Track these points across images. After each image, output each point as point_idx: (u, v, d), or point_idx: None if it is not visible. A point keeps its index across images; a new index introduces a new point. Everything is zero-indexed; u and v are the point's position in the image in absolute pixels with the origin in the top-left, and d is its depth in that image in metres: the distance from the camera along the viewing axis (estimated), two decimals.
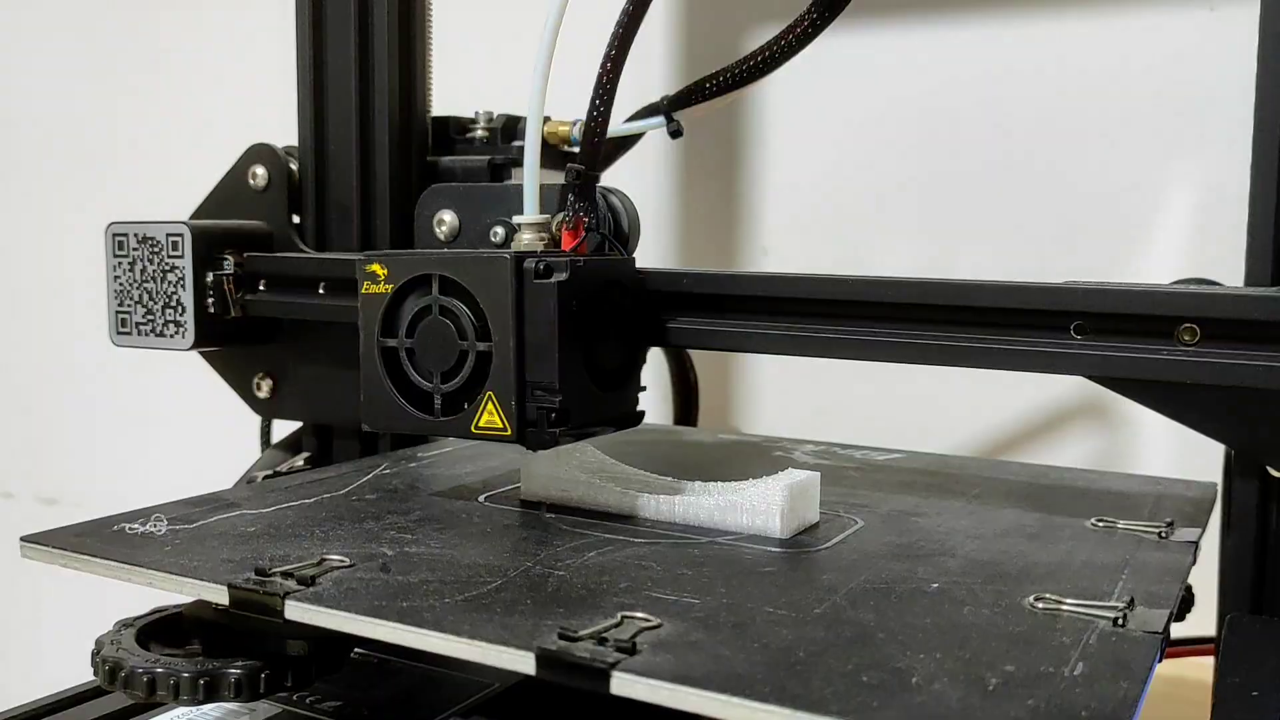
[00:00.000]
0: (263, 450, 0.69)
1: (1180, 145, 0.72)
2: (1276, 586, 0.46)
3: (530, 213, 0.48)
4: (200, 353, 0.63)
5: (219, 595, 0.36)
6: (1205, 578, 0.47)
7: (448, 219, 0.57)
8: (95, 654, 0.40)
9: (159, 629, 0.43)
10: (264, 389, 0.64)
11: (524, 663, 0.31)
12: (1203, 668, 0.48)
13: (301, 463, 0.64)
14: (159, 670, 0.38)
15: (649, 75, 0.85)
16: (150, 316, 0.60)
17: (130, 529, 0.42)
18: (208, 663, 0.39)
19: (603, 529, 0.44)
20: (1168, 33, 0.72)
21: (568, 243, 0.48)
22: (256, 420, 0.69)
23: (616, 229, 0.55)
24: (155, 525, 0.42)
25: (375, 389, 0.46)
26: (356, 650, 0.47)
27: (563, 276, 0.43)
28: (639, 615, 0.34)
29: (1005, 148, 0.77)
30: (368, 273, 0.46)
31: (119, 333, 0.62)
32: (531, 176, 0.48)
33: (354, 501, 0.47)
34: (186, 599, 0.40)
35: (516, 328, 0.43)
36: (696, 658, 0.31)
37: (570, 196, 0.48)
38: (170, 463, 1.10)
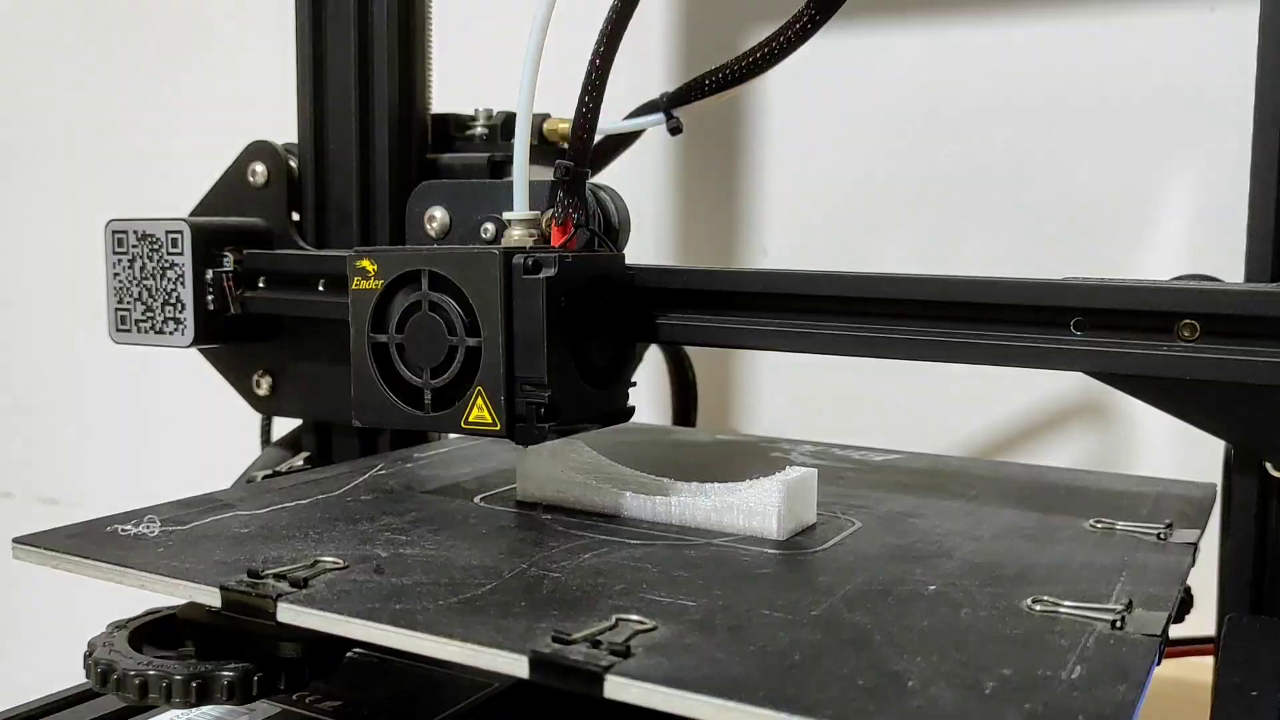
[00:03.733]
0: (262, 448, 0.69)
1: (1180, 143, 0.72)
2: (1276, 586, 0.46)
3: (520, 209, 0.48)
4: (200, 350, 0.63)
5: (211, 597, 0.36)
6: (1205, 577, 0.47)
7: (438, 215, 0.58)
8: (87, 656, 0.40)
9: (152, 631, 0.43)
10: (263, 386, 0.64)
11: (517, 666, 0.31)
12: (1203, 668, 0.48)
13: (301, 462, 0.64)
14: (151, 672, 0.38)
15: (648, 73, 0.84)
16: (150, 314, 0.60)
17: (123, 530, 0.42)
18: (200, 665, 0.39)
19: (598, 530, 0.44)
20: (1168, 32, 0.72)
21: (557, 239, 0.48)
22: (256, 418, 0.69)
23: (606, 225, 0.55)
24: (148, 527, 0.42)
25: (366, 384, 0.47)
26: (356, 650, 0.47)
27: (551, 272, 0.43)
28: (634, 618, 0.33)
29: (1005, 146, 0.77)
30: (358, 268, 0.46)
31: (118, 330, 0.62)
32: (521, 173, 0.48)
33: (349, 502, 0.47)
34: (179, 601, 0.40)
35: (505, 323, 0.43)
36: (691, 661, 0.31)
37: (559, 193, 0.48)
38: (169, 461, 1.10)
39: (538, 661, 0.31)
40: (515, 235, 0.48)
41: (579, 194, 0.48)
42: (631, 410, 0.50)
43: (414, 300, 0.45)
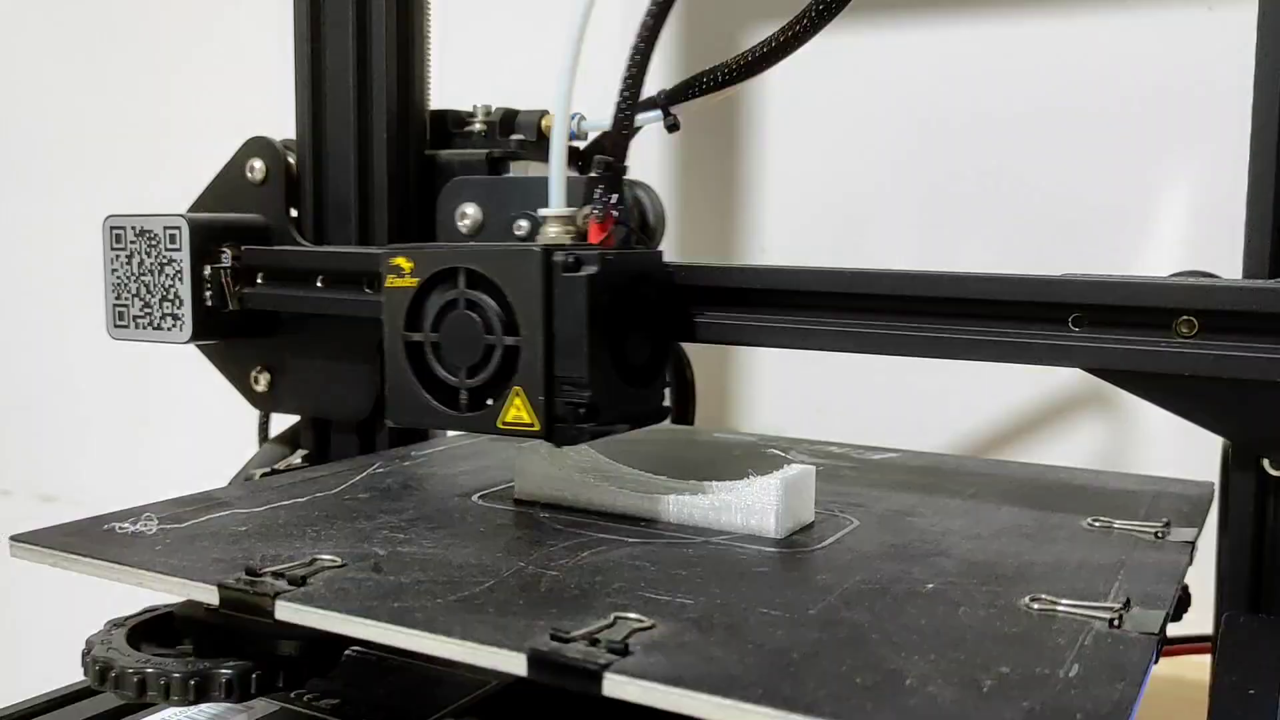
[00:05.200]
0: (260, 444, 0.69)
1: (1178, 141, 0.72)
2: (1274, 585, 0.46)
3: (556, 205, 0.47)
4: (198, 346, 0.63)
5: (209, 595, 0.36)
6: (1203, 576, 0.47)
7: (471, 212, 0.57)
8: (86, 654, 0.40)
9: (151, 629, 0.43)
10: (261, 383, 0.64)
11: (516, 664, 0.31)
12: (1200, 666, 0.48)
13: (299, 460, 0.64)
14: (149, 670, 0.38)
15: (648, 71, 0.84)
16: (148, 310, 0.60)
17: (121, 528, 0.42)
18: (199, 663, 0.39)
19: (596, 529, 0.44)
20: (1166, 30, 0.72)
21: (595, 236, 0.47)
22: (254, 415, 0.69)
23: (642, 222, 0.54)
24: (146, 524, 0.42)
25: (400, 384, 0.46)
26: (354, 648, 0.47)
27: (593, 270, 0.43)
28: (632, 616, 0.33)
29: (1003, 144, 0.76)
30: (392, 266, 0.45)
31: (116, 326, 0.62)
32: (558, 168, 0.47)
33: (347, 501, 0.47)
34: (177, 599, 0.40)
35: (545, 322, 0.43)
36: (689, 659, 0.31)
37: (598, 189, 0.47)
38: (168, 458, 1.10)
39: (536, 659, 0.31)
40: (552, 232, 0.47)
41: (618, 190, 0.48)
42: (667, 410, 0.49)
43: (450, 298, 0.44)
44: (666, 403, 0.50)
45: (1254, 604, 0.46)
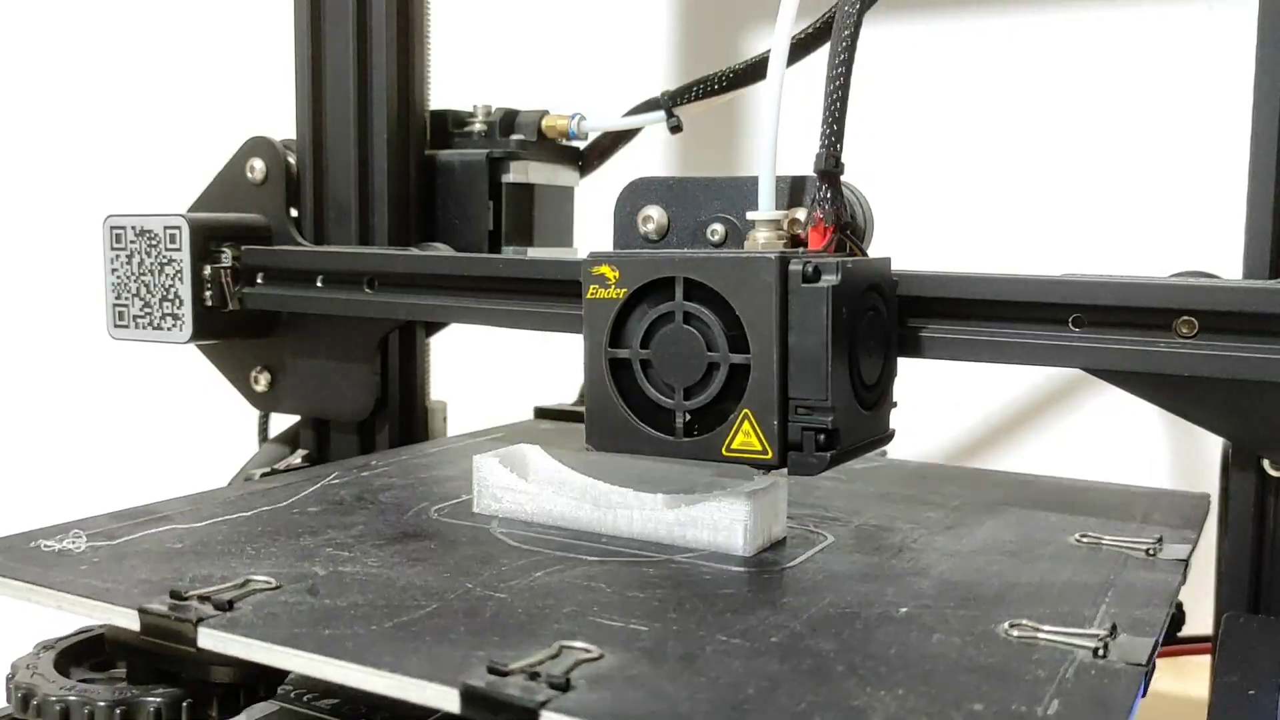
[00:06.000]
0: (260, 444, 0.67)
1: (1179, 142, 0.71)
2: (1273, 585, 0.45)
3: (766, 208, 0.43)
4: (198, 346, 0.63)
5: (129, 620, 0.34)
6: (1202, 576, 0.46)
7: (655, 215, 0.51)
8: (9, 678, 0.38)
9: (85, 650, 0.41)
10: (261, 382, 0.64)
11: (447, 699, 0.28)
12: (1200, 666, 0.47)
13: (299, 460, 0.63)
14: (72, 698, 0.36)
15: (649, 72, 0.83)
16: (148, 310, 0.60)
17: (46, 545, 0.39)
18: (128, 690, 0.37)
19: (554, 545, 0.41)
20: (1166, 30, 0.71)
21: (816, 242, 0.42)
22: (254, 415, 0.68)
23: (852, 225, 0.50)
24: (73, 542, 0.40)
25: (603, 405, 0.41)
26: None
27: (834, 280, 0.38)
28: (579, 645, 0.31)
29: (1003, 143, 0.76)
30: (595, 275, 0.41)
31: (116, 326, 0.62)
32: (768, 167, 0.43)
33: (294, 514, 0.45)
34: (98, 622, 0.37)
35: (780, 338, 0.38)
36: (635, 695, 0.28)
37: (820, 190, 0.43)
38: (168, 459, 1.08)
39: (469, 695, 0.28)
40: (762, 238, 0.43)
41: (839, 192, 0.43)
42: (893, 433, 0.44)
43: (664, 311, 0.40)
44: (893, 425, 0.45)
45: (1254, 604, 0.45)
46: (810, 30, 0.53)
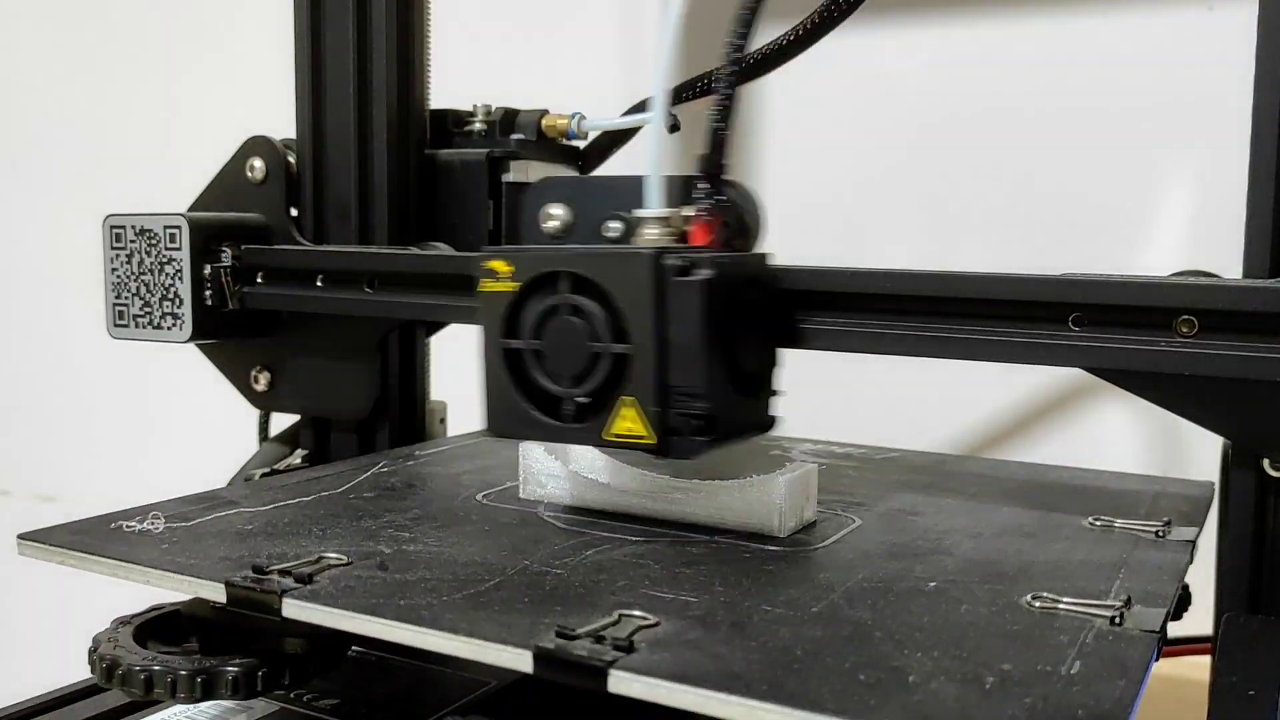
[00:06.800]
0: (260, 444, 0.69)
1: (1178, 140, 0.72)
2: (1274, 586, 0.46)
3: (655, 206, 0.46)
4: (198, 345, 0.63)
5: (217, 593, 0.36)
6: (1202, 576, 0.47)
7: (558, 213, 0.54)
8: (92, 651, 0.40)
9: (157, 627, 0.43)
10: (261, 382, 0.64)
11: (522, 661, 0.31)
12: (1200, 667, 0.48)
13: (299, 460, 0.64)
14: (156, 668, 0.38)
15: (648, 71, 0.84)
16: (148, 309, 0.60)
17: (127, 527, 0.42)
18: (205, 660, 0.39)
19: (600, 527, 0.44)
20: (1167, 30, 0.72)
21: (699, 238, 0.45)
22: (255, 415, 0.69)
23: (740, 223, 0.52)
24: (153, 523, 0.42)
25: (499, 393, 0.43)
26: (355, 648, 0.47)
27: (707, 274, 0.40)
28: (636, 614, 0.34)
29: (1004, 144, 0.76)
30: (487, 269, 0.43)
31: (116, 325, 0.62)
32: (655, 168, 0.45)
33: (352, 499, 0.47)
34: (183, 597, 0.40)
35: (657, 329, 0.40)
36: (694, 656, 0.31)
37: (702, 188, 0.46)
38: (169, 459, 1.10)
39: (542, 656, 0.31)
40: (650, 234, 0.45)
41: (723, 190, 0.46)
42: (775, 421, 0.47)
43: (552, 304, 0.42)
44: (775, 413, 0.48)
45: (1254, 604, 0.46)
46: (793, 36, 0.54)
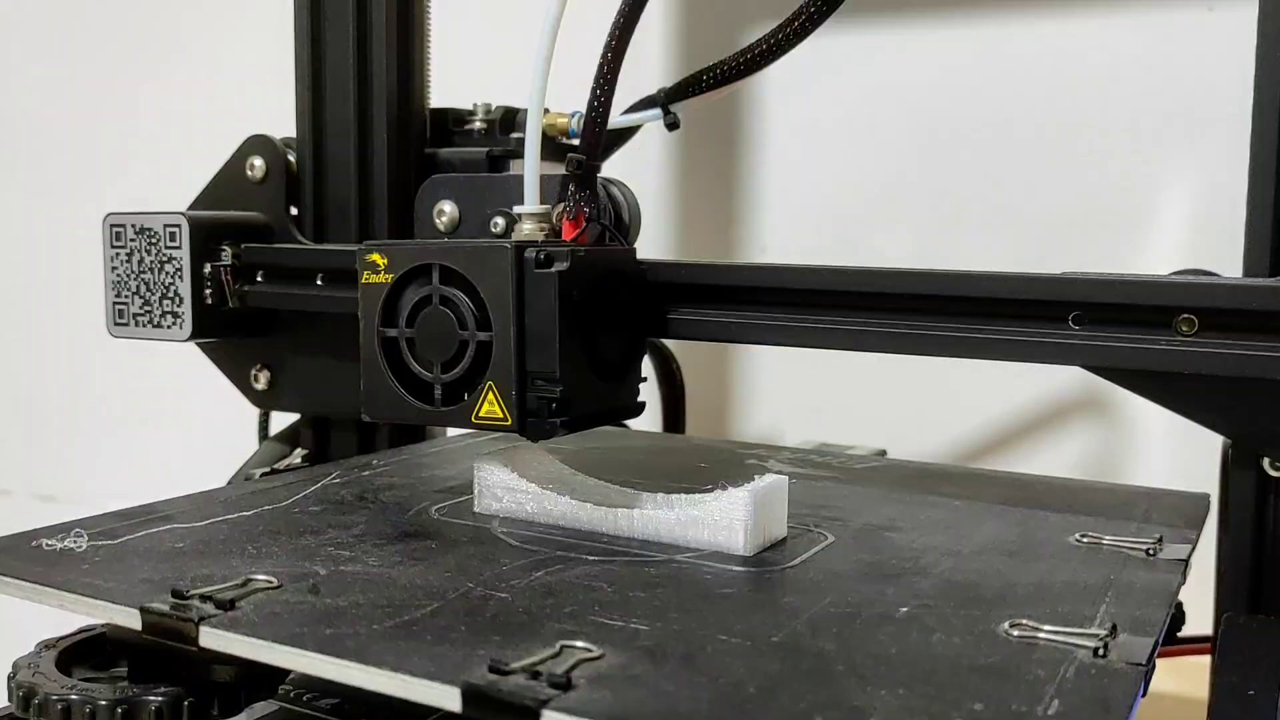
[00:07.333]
0: (260, 443, 0.68)
1: (1178, 141, 0.72)
2: (1274, 586, 0.45)
3: (530, 203, 0.47)
4: (198, 344, 0.63)
5: (131, 619, 0.34)
6: (1202, 577, 0.46)
7: (448, 209, 0.57)
8: (11, 677, 0.38)
9: (86, 649, 0.41)
10: (261, 381, 0.64)
11: (449, 699, 0.29)
12: (1199, 667, 0.47)
13: (299, 459, 0.63)
14: (73, 697, 0.36)
15: (646, 70, 0.83)
16: (148, 308, 0.60)
17: (48, 545, 0.39)
18: (129, 689, 0.37)
19: (555, 545, 0.41)
20: (1167, 31, 0.71)
21: (569, 233, 0.47)
22: (254, 413, 0.68)
23: (617, 219, 0.55)
24: (75, 541, 0.40)
25: (376, 379, 0.46)
26: None
27: (563, 266, 0.43)
28: (580, 644, 0.31)
29: (1003, 144, 0.76)
30: (367, 262, 0.45)
31: (116, 324, 0.62)
32: (532, 167, 0.47)
33: (295, 514, 0.45)
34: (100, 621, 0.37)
35: (517, 317, 0.43)
36: (636, 694, 0.28)
37: (571, 186, 0.48)
38: (169, 459, 1.08)
39: (470, 694, 0.28)
40: (526, 229, 0.47)
41: (590, 187, 0.48)
42: (642, 405, 0.49)
43: (424, 294, 0.44)
44: (642, 399, 0.50)
45: (1254, 604, 0.46)
46: (782, 35, 0.53)
